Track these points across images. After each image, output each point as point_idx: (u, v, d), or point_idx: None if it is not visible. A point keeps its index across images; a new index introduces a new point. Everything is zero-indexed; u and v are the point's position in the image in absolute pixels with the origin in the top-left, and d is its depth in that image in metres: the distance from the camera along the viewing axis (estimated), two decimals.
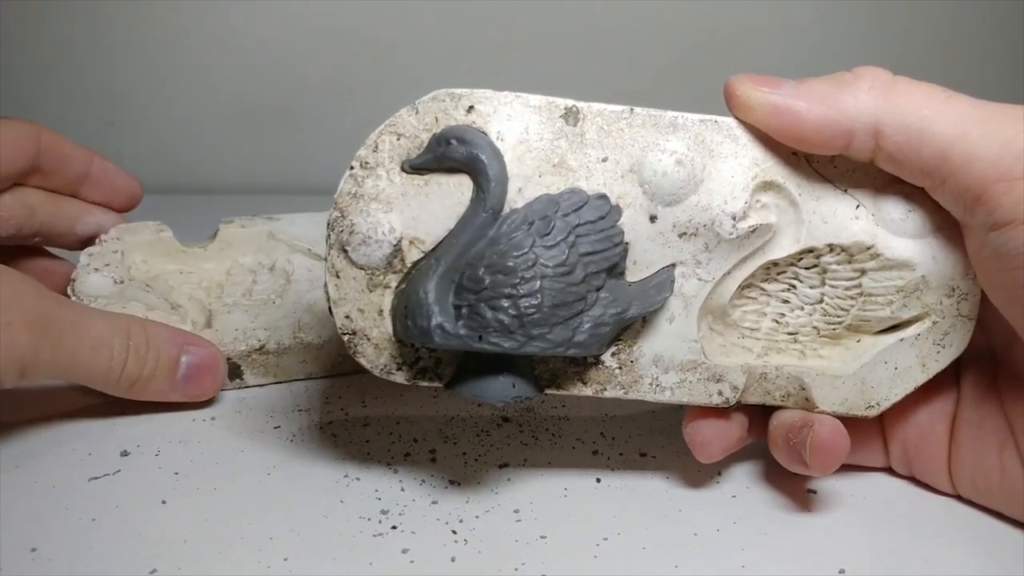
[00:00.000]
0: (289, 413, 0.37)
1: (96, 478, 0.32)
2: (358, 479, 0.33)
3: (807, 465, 0.29)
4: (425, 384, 0.30)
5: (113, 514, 0.30)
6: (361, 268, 0.28)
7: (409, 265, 0.28)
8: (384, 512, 0.31)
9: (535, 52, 0.80)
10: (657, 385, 0.30)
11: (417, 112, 0.28)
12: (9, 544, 0.28)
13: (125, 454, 0.34)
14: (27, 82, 0.78)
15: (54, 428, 0.35)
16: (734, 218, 0.29)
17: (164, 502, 0.31)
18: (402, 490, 0.32)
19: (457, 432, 0.36)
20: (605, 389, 0.30)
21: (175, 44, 0.78)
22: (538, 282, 0.27)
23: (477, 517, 0.31)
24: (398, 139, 0.28)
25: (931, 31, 0.84)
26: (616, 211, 0.28)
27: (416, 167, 0.28)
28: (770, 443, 0.31)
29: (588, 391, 0.30)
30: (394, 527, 0.30)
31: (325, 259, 0.29)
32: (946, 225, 0.29)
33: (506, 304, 0.26)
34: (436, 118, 0.28)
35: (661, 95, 0.29)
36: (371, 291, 0.29)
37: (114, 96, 0.79)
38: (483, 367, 0.29)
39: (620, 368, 0.30)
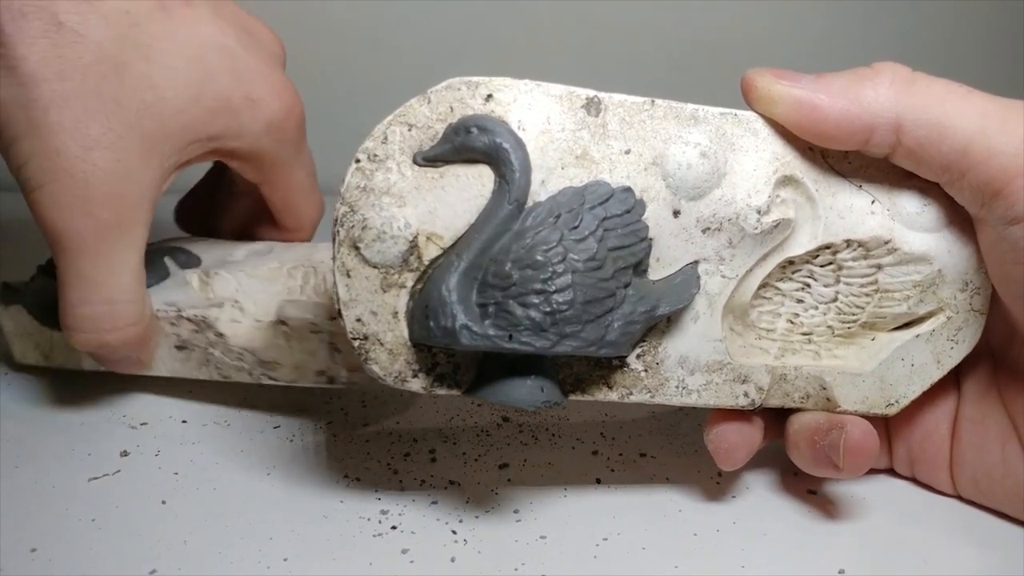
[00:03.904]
0: (289, 413, 0.37)
1: (96, 478, 0.32)
2: (358, 479, 0.33)
3: (838, 467, 0.29)
4: (443, 392, 0.28)
5: (113, 514, 0.30)
6: (374, 266, 0.27)
7: (427, 263, 0.27)
8: (384, 512, 0.31)
9: (536, 53, 0.80)
10: (683, 388, 0.29)
11: (430, 102, 0.27)
12: (9, 544, 0.28)
13: (125, 454, 0.34)
14: None
15: (54, 428, 0.35)
16: (759, 212, 0.28)
17: (164, 502, 0.31)
18: (402, 490, 0.32)
19: (457, 432, 0.36)
20: (631, 393, 0.29)
21: None
22: (569, 276, 0.25)
23: (477, 517, 0.31)
24: (409, 130, 0.27)
25: (932, 32, 0.84)
26: (641, 205, 0.27)
27: (431, 159, 0.27)
28: (789, 447, 0.31)
29: (614, 396, 0.29)
30: (394, 527, 0.30)
31: (333, 258, 0.27)
32: (958, 219, 0.29)
33: (537, 300, 0.25)
34: (451, 107, 0.27)
35: (660, 94, 0.29)
36: (385, 291, 0.27)
37: None
38: (506, 371, 0.27)
39: (646, 371, 0.29)
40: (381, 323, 0.27)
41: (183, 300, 0.36)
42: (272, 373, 0.36)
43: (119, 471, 0.32)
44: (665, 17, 0.81)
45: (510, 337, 0.25)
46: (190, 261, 0.38)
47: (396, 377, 0.28)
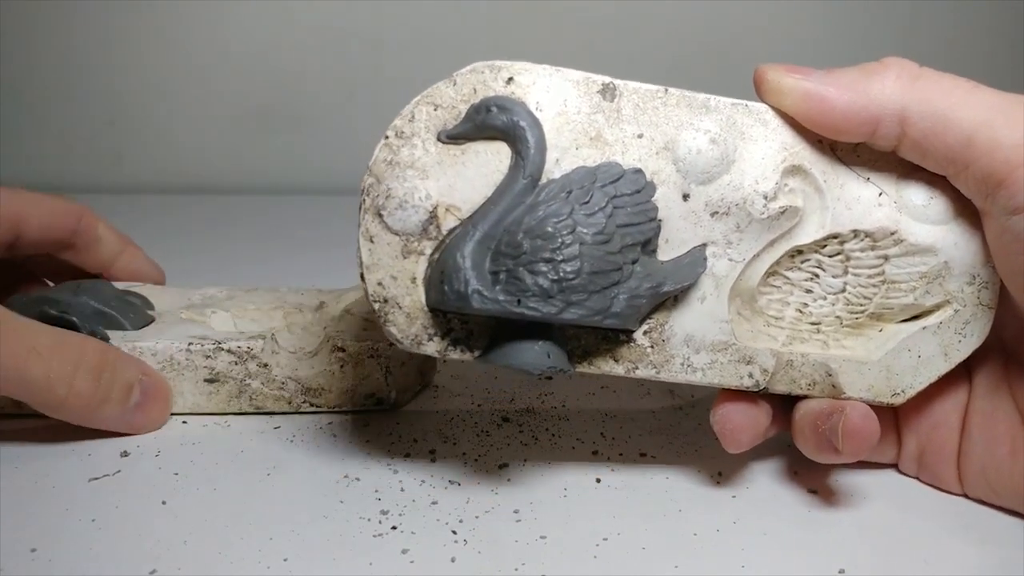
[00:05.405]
0: (289, 413, 0.37)
1: (96, 478, 0.32)
2: (358, 479, 0.33)
3: (838, 451, 0.29)
4: (456, 356, 0.29)
5: (113, 514, 0.30)
6: (396, 233, 0.28)
7: (444, 232, 0.28)
8: (384, 512, 0.31)
9: (537, 53, 0.81)
10: (688, 365, 0.30)
11: (455, 84, 0.28)
12: (9, 544, 0.28)
13: (125, 454, 0.34)
14: (28, 82, 0.78)
15: (54, 428, 0.35)
16: (766, 197, 0.29)
17: (164, 502, 0.31)
18: (402, 490, 0.32)
19: (457, 432, 0.36)
20: (637, 368, 0.30)
21: (175, 44, 0.78)
22: (577, 247, 0.27)
23: (477, 517, 0.31)
24: (435, 109, 0.28)
25: (933, 31, 0.84)
26: (651, 187, 0.29)
27: (454, 136, 0.28)
28: (795, 433, 0.31)
29: (620, 369, 0.30)
30: (394, 527, 0.30)
31: (358, 225, 0.28)
32: (966, 213, 0.30)
33: (545, 268, 0.27)
34: (474, 89, 0.28)
35: (673, 85, 0.29)
36: (405, 257, 0.28)
37: (114, 96, 0.79)
38: (517, 338, 0.28)
39: (652, 347, 0.30)
40: (400, 287, 0.29)
41: (215, 334, 0.37)
42: (316, 400, 0.37)
43: (119, 471, 0.32)
44: (681, 13, 0.81)
45: (519, 302, 0.27)
46: (147, 305, 0.39)
47: (413, 340, 0.29)
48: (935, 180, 0.30)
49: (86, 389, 0.33)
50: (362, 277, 0.29)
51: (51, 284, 0.42)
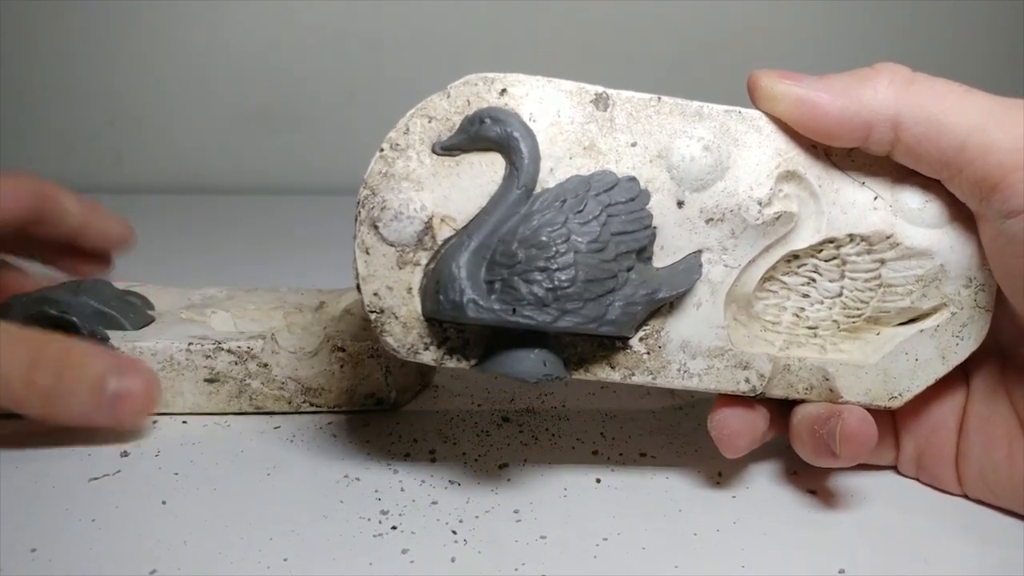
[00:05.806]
0: (289, 413, 0.37)
1: (96, 478, 0.32)
2: (358, 479, 0.33)
3: (835, 455, 0.29)
4: (452, 365, 0.29)
5: (113, 514, 0.30)
6: (391, 245, 0.28)
7: (440, 243, 0.28)
8: (384, 512, 0.31)
9: (535, 53, 0.80)
10: (685, 371, 0.30)
11: (449, 96, 0.28)
12: (9, 544, 0.28)
13: (125, 454, 0.34)
14: (27, 82, 0.78)
15: (54, 428, 0.35)
16: (760, 203, 0.29)
17: (164, 502, 0.31)
18: (402, 490, 0.32)
19: (457, 432, 0.36)
20: (633, 374, 0.30)
21: (175, 44, 0.78)
22: (572, 255, 0.27)
23: (477, 517, 0.31)
24: (429, 122, 0.28)
25: (932, 32, 0.84)
26: (645, 194, 0.29)
27: (448, 148, 0.28)
28: (793, 438, 0.31)
29: (616, 376, 0.30)
30: (394, 527, 0.30)
31: (354, 237, 0.29)
32: (961, 216, 0.30)
33: (540, 277, 0.27)
34: (468, 101, 0.28)
35: (667, 92, 0.29)
36: (401, 268, 0.29)
37: (114, 96, 0.79)
38: (513, 346, 0.29)
39: (648, 353, 0.30)
40: (396, 297, 0.29)
41: (215, 334, 0.37)
42: (316, 400, 0.37)
43: (119, 471, 0.32)
44: (680, 14, 0.81)
45: (514, 311, 0.27)
46: (147, 305, 0.39)
47: (409, 349, 0.29)
48: (930, 183, 0.30)
49: (46, 384, 0.32)
50: (358, 288, 0.29)
51: (24, 265, 0.42)
